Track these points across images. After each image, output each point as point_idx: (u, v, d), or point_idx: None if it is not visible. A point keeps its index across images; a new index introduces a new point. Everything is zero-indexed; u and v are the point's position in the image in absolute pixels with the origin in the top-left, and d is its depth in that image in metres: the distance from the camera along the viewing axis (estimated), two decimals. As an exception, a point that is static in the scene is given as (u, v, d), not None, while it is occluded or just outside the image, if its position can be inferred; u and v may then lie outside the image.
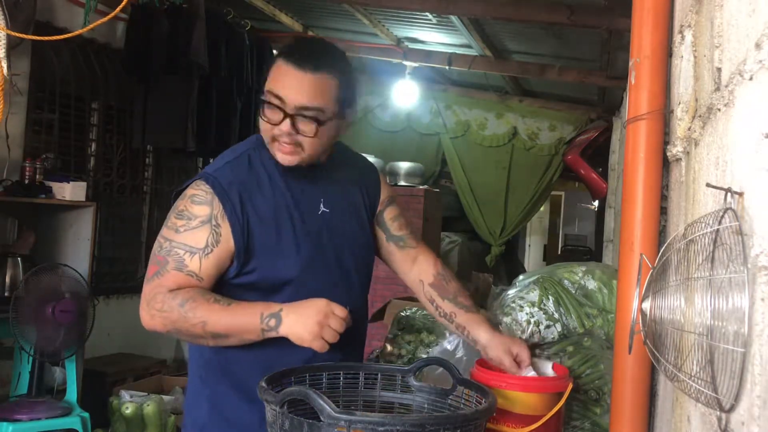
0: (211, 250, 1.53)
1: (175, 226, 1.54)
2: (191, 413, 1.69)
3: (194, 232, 1.53)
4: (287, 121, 1.52)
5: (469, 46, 5.36)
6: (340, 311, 1.45)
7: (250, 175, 1.59)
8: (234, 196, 1.55)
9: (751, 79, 0.80)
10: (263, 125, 1.56)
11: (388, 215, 1.81)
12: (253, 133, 1.69)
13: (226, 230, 1.54)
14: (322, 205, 1.65)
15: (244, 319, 1.48)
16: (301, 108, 1.52)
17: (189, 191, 1.57)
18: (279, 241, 1.57)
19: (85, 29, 2.32)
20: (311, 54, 1.56)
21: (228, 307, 1.49)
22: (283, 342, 1.47)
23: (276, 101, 1.52)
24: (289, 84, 1.51)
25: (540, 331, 1.88)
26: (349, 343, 1.59)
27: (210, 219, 1.53)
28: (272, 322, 1.46)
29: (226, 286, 1.57)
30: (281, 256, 1.57)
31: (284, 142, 1.54)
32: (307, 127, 1.53)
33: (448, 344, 2.01)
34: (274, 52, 5.75)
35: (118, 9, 2.11)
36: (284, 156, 1.56)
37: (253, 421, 1.56)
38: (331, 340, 1.45)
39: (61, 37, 2.27)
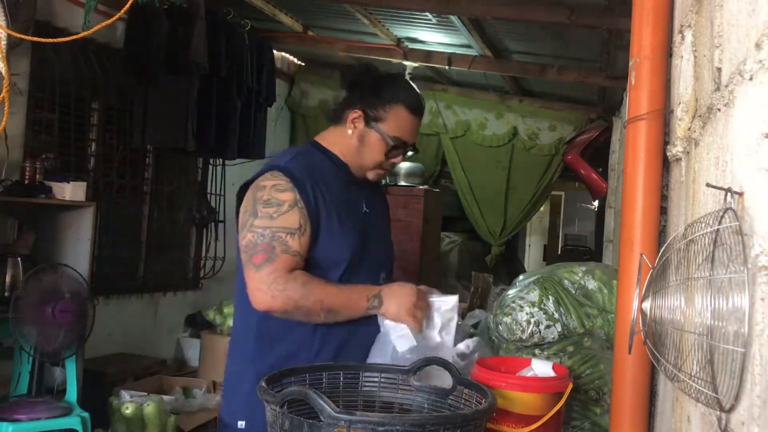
0: (305, 230, 1.75)
1: (269, 214, 1.74)
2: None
3: (287, 216, 1.74)
4: (401, 156, 1.92)
5: (469, 46, 5.36)
6: (426, 298, 1.77)
7: (315, 171, 1.83)
8: (306, 183, 1.77)
9: (751, 79, 0.80)
10: (376, 158, 1.87)
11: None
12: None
13: (306, 212, 1.76)
14: (364, 206, 1.91)
15: (353, 298, 1.75)
16: (411, 145, 1.93)
17: (267, 182, 1.77)
18: (337, 227, 1.80)
19: (88, 32, 2.31)
20: (422, 104, 1.97)
21: (339, 288, 1.76)
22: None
23: (400, 144, 1.88)
24: (411, 130, 1.91)
25: (540, 331, 1.88)
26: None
27: (296, 202, 1.75)
28: (375, 302, 1.75)
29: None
30: (338, 238, 1.80)
31: (387, 169, 1.92)
32: (406, 154, 1.95)
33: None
34: (275, 53, 5.74)
35: (122, 11, 2.11)
36: (379, 176, 1.94)
37: None
38: (421, 319, 1.74)
39: (62, 40, 2.26)
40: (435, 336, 1.78)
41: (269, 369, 1.63)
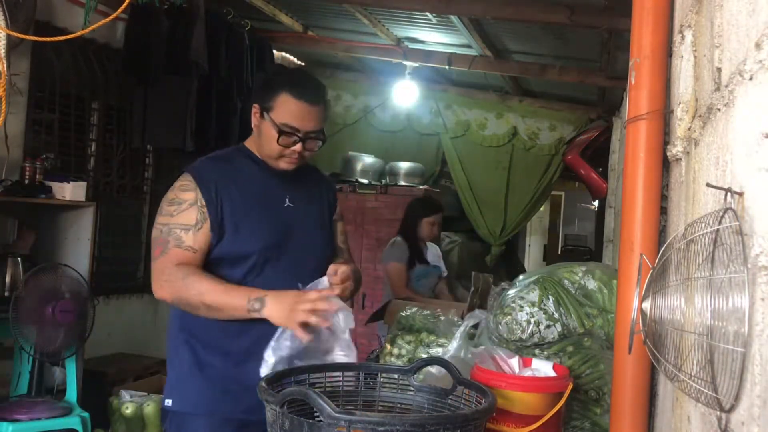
0: (201, 226, 1.87)
1: (170, 212, 1.89)
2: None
3: (185, 213, 1.88)
4: (300, 144, 1.94)
5: (469, 46, 5.36)
6: (312, 295, 1.73)
7: (227, 170, 1.97)
8: (210, 183, 1.90)
9: (751, 79, 0.80)
10: (274, 147, 1.92)
11: (339, 228, 2.20)
12: (252, 133, 2.06)
13: (207, 210, 1.88)
14: (287, 200, 2.01)
15: (234, 298, 1.80)
16: (310, 132, 1.95)
17: (176, 183, 1.94)
18: (244, 222, 1.91)
19: (85, 30, 2.31)
20: (315, 91, 1.97)
21: (222, 285, 1.82)
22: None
23: (291, 131, 1.92)
24: (302, 116, 1.92)
25: (540, 331, 1.88)
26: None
27: (196, 201, 1.89)
28: (257, 305, 1.77)
29: (209, 263, 1.90)
30: (244, 234, 1.91)
31: (293, 157, 1.95)
32: (312, 144, 1.97)
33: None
34: (275, 53, 5.75)
35: (120, 10, 2.11)
36: (289, 165, 1.97)
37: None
38: (303, 319, 1.69)
39: (62, 38, 2.26)
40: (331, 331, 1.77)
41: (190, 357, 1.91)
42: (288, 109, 1.91)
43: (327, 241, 2.12)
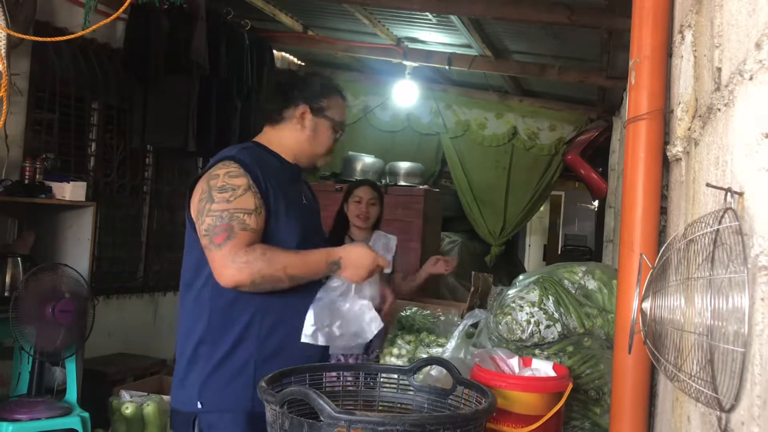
0: (261, 211, 1.88)
1: (225, 198, 1.85)
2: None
3: (243, 198, 1.86)
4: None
5: (469, 46, 5.36)
6: (383, 262, 1.93)
7: (262, 162, 1.97)
8: (256, 170, 1.91)
9: (751, 79, 0.80)
10: (327, 143, 2.09)
11: None
12: (255, 134, 2.12)
13: (260, 195, 1.89)
14: (303, 198, 2.08)
15: (314, 263, 1.89)
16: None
17: (220, 171, 1.90)
18: (284, 212, 1.94)
19: (86, 30, 2.31)
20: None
21: (299, 254, 1.88)
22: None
23: (342, 126, 2.12)
24: (343, 111, 2.15)
25: (540, 331, 1.88)
26: None
27: (249, 186, 1.88)
28: (334, 267, 1.90)
29: None
30: (286, 224, 1.93)
31: (332, 153, 2.14)
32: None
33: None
34: (275, 53, 5.74)
35: (120, 10, 2.11)
36: (328, 161, 2.16)
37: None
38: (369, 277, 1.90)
39: (62, 38, 2.26)
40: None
41: (223, 354, 1.87)
42: (340, 108, 2.12)
43: (325, 240, 2.21)
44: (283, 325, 1.91)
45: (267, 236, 1.89)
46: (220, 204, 1.85)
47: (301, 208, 2.03)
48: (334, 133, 2.10)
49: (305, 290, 1.91)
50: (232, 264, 1.80)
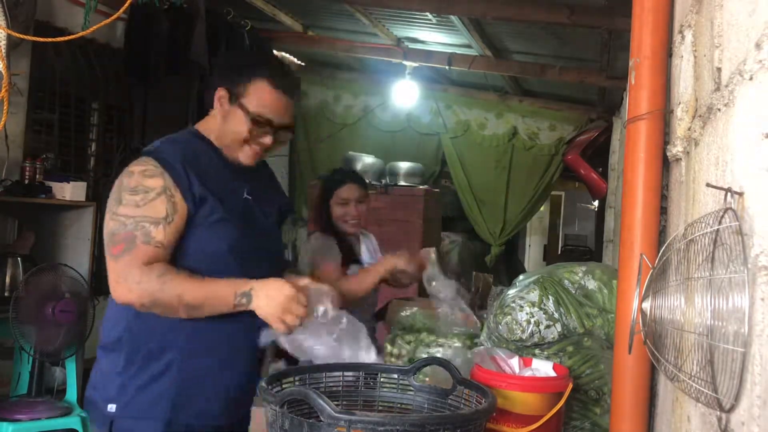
0: (172, 219, 1.66)
1: (134, 202, 1.65)
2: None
3: (153, 204, 1.65)
4: (271, 137, 1.77)
5: (469, 46, 5.36)
6: (302, 299, 1.62)
7: (189, 155, 1.74)
8: (180, 168, 1.69)
9: (751, 79, 0.80)
10: (239, 135, 1.75)
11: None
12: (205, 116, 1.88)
13: (178, 199, 1.67)
14: (245, 193, 1.82)
15: (219, 294, 1.64)
16: (283, 126, 1.79)
17: (135, 168, 1.71)
18: (212, 214, 1.71)
19: (86, 31, 2.31)
20: (293, 83, 1.84)
21: (203, 282, 1.65)
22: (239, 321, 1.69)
23: (266, 122, 1.75)
24: (276, 108, 1.76)
25: (540, 331, 1.88)
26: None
27: (165, 189, 1.66)
28: (244, 300, 1.63)
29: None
30: (213, 228, 1.71)
31: (256, 150, 1.78)
32: (283, 138, 1.82)
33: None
34: (275, 53, 5.74)
35: (121, 11, 2.11)
36: (250, 159, 1.79)
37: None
38: (292, 324, 1.61)
39: (62, 39, 2.26)
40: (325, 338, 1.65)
41: (141, 360, 1.69)
42: (263, 98, 1.74)
43: (280, 246, 1.99)
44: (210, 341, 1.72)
45: (190, 245, 1.68)
46: (127, 208, 1.65)
47: (239, 206, 1.78)
48: (253, 126, 1.73)
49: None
50: (124, 282, 1.61)
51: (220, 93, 1.77)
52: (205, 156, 1.77)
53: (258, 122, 1.73)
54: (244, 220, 1.78)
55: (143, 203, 1.64)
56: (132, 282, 1.61)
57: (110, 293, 1.66)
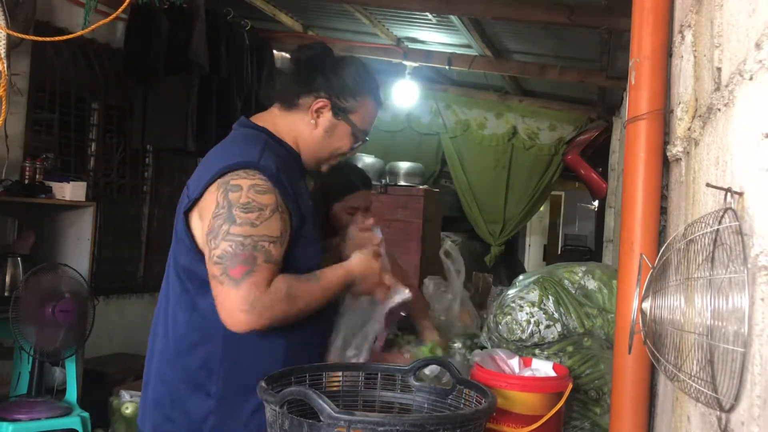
0: (285, 238, 1.58)
1: (250, 221, 1.52)
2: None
3: (270, 222, 1.54)
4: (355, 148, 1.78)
5: (469, 46, 5.36)
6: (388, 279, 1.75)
7: (284, 164, 1.64)
8: (285, 182, 1.60)
9: (751, 79, 0.80)
10: (335, 147, 1.74)
11: None
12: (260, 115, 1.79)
13: (287, 216, 1.59)
14: (309, 198, 1.75)
15: (334, 287, 1.64)
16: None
17: (242, 182, 1.54)
18: (309, 229, 1.66)
19: (85, 30, 2.31)
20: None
21: (319, 282, 1.62)
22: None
23: (365, 137, 1.77)
24: (372, 121, 1.79)
25: (540, 331, 1.88)
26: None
27: (277, 207, 1.56)
28: (351, 286, 1.69)
29: None
30: (311, 243, 1.67)
31: (337, 160, 1.79)
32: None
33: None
34: (275, 53, 5.74)
35: (119, 10, 2.11)
36: (329, 166, 1.80)
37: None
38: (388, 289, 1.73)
39: (62, 38, 2.26)
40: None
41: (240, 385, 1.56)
42: (371, 116, 1.76)
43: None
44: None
45: (291, 264, 1.59)
46: (243, 227, 1.50)
47: (313, 212, 1.72)
48: (354, 141, 1.74)
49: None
50: (252, 309, 1.48)
51: (321, 103, 1.69)
52: (290, 163, 1.69)
53: (362, 139, 1.76)
54: (318, 228, 1.73)
55: (259, 222, 1.52)
56: (260, 308, 1.48)
57: (226, 321, 1.51)
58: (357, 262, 1.70)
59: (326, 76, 1.69)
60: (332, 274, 1.65)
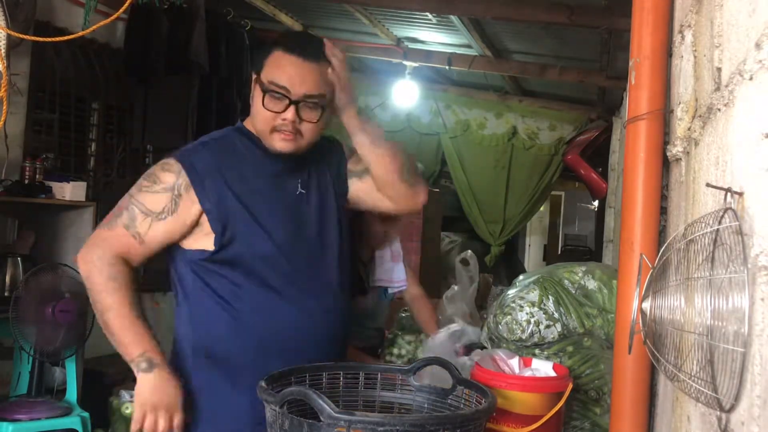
0: (165, 218, 1.59)
1: (140, 185, 1.63)
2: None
3: (154, 196, 1.60)
4: (292, 109, 1.58)
5: (469, 46, 5.36)
6: (166, 423, 1.55)
7: (229, 157, 1.65)
8: (206, 174, 1.61)
9: (751, 79, 0.80)
10: (262, 115, 1.61)
11: (353, 163, 1.78)
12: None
13: (186, 204, 1.60)
14: (299, 187, 1.70)
15: (132, 339, 1.59)
16: (306, 96, 1.60)
17: (162, 161, 1.66)
18: (256, 220, 1.62)
19: (86, 31, 2.31)
20: (311, 44, 1.65)
21: (135, 319, 1.60)
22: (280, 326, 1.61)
23: (280, 91, 1.58)
24: (294, 73, 1.58)
25: (540, 331, 1.88)
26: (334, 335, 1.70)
27: (173, 188, 1.59)
28: (144, 365, 1.57)
29: (205, 264, 1.63)
30: (258, 234, 1.62)
31: (286, 131, 1.60)
32: (310, 114, 1.61)
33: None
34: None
35: (120, 10, 2.11)
36: (284, 143, 1.62)
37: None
38: (151, 427, 1.55)
39: (62, 39, 2.26)
40: None
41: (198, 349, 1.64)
42: (277, 65, 1.59)
43: (342, 223, 1.77)
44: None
45: (238, 249, 1.61)
46: (135, 188, 1.64)
47: (291, 202, 1.68)
48: (269, 100, 1.58)
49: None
50: (87, 248, 1.62)
51: (252, 79, 1.64)
52: (251, 154, 1.66)
53: (273, 93, 1.58)
54: (297, 216, 1.67)
55: (145, 190, 1.62)
56: (92, 254, 1.61)
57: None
58: (162, 376, 1.58)
59: (254, 55, 1.68)
60: (146, 338, 1.60)
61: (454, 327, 1.83)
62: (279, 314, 1.63)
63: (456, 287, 2.57)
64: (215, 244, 1.61)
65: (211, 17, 4.74)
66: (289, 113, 1.58)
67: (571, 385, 1.63)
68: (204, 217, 1.61)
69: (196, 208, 1.60)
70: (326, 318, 1.68)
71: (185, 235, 1.64)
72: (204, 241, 1.63)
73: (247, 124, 1.71)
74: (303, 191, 1.70)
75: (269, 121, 1.60)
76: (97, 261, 1.60)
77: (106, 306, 1.61)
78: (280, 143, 1.62)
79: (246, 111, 1.74)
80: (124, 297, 1.60)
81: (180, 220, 1.61)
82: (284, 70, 1.59)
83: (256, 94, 1.62)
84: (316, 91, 1.61)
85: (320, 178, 1.75)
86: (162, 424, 1.55)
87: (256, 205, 1.64)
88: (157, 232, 1.61)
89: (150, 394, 1.56)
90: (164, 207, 1.59)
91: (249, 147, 1.68)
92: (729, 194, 0.82)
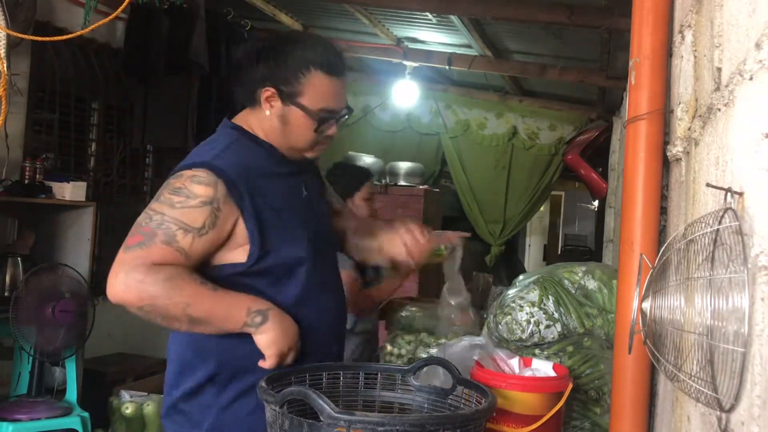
0: (206, 232, 1.50)
1: (170, 201, 1.50)
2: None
3: (191, 211, 1.49)
4: (335, 126, 1.66)
5: (469, 46, 5.36)
6: (296, 354, 1.56)
7: (250, 164, 1.61)
8: (241, 182, 1.54)
9: (751, 79, 0.80)
10: (310, 137, 1.63)
11: (336, 209, 1.93)
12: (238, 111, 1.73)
13: (225, 216, 1.52)
14: (304, 189, 1.72)
15: (229, 308, 1.50)
16: (345, 109, 1.68)
17: (186, 172, 1.53)
18: (286, 224, 1.61)
19: (85, 30, 2.32)
20: (341, 59, 1.67)
21: (215, 292, 1.49)
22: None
23: (333, 116, 1.64)
24: (338, 93, 1.64)
25: (540, 331, 1.88)
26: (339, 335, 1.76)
27: (212, 201, 1.50)
28: (258, 319, 1.50)
29: (238, 277, 1.56)
30: (290, 238, 1.61)
31: (325, 144, 1.67)
32: (343, 121, 1.69)
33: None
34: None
35: (119, 10, 2.11)
36: (318, 153, 1.69)
37: None
38: (289, 362, 1.54)
39: (62, 38, 2.27)
40: None
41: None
42: (323, 90, 1.60)
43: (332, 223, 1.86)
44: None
45: (272, 262, 1.57)
46: (161, 205, 1.50)
47: (303, 205, 1.68)
48: (316, 123, 1.60)
49: None
50: (124, 277, 1.44)
51: (268, 93, 1.60)
52: (263, 160, 1.64)
53: (325, 119, 1.61)
54: (310, 219, 1.68)
55: (180, 206, 1.49)
56: (132, 279, 1.43)
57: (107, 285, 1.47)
58: (279, 314, 1.54)
59: (268, 64, 1.61)
60: (240, 295, 1.52)
61: (477, 340, 1.83)
62: (306, 317, 1.62)
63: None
64: (251, 255, 1.55)
65: (211, 17, 4.74)
66: (334, 129, 1.65)
67: (571, 385, 1.63)
68: (237, 229, 1.55)
69: (233, 219, 1.54)
70: (341, 315, 1.77)
71: (219, 249, 1.56)
72: (235, 253, 1.56)
73: (243, 124, 1.68)
74: (307, 193, 1.72)
75: (314, 140, 1.64)
76: (138, 281, 1.44)
77: (181, 306, 1.45)
78: (312, 154, 1.68)
79: (236, 110, 1.72)
80: (189, 284, 1.46)
81: (219, 233, 1.53)
82: (331, 94, 1.62)
83: (294, 117, 1.61)
84: (346, 104, 1.68)
85: (312, 180, 1.79)
86: (291, 356, 1.55)
87: (283, 211, 1.61)
88: (199, 249, 1.50)
89: (282, 341, 1.52)
90: (205, 221, 1.49)
91: (257, 150, 1.65)
92: (729, 194, 0.82)
